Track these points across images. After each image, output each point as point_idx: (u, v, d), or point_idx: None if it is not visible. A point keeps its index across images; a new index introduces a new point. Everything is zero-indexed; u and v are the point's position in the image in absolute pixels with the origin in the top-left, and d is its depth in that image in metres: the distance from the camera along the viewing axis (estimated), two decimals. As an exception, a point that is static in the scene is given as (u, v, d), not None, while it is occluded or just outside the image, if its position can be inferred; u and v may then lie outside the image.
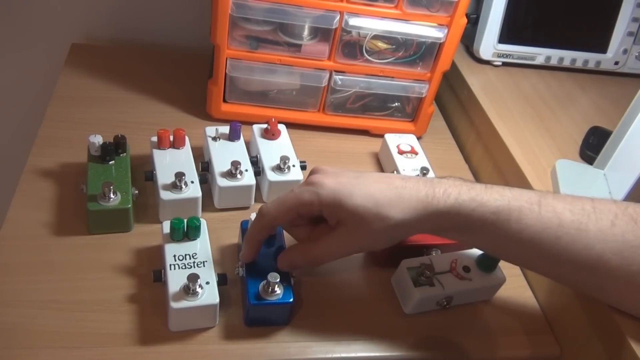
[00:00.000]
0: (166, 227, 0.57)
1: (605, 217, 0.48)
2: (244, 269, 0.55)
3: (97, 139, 0.63)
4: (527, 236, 0.48)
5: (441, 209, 0.49)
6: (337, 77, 0.76)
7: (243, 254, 0.55)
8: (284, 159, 0.66)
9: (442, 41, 0.74)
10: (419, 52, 0.76)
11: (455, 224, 0.49)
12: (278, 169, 0.67)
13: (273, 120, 0.71)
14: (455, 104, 0.90)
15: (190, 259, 0.55)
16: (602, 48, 0.91)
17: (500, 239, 0.50)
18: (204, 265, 0.54)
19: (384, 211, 0.49)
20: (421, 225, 0.50)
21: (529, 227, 0.48)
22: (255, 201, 0.67)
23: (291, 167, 0.67)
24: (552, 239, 0.48)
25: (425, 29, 0.73)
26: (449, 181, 0.51)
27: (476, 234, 0.50)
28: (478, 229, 0.49)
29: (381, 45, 0.75)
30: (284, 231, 0.59)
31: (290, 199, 0.52)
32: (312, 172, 0.54)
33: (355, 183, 0.50)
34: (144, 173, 0.63)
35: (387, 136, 0.77)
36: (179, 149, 0.66)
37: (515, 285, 0.64)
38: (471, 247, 0.60)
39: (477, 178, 0.80)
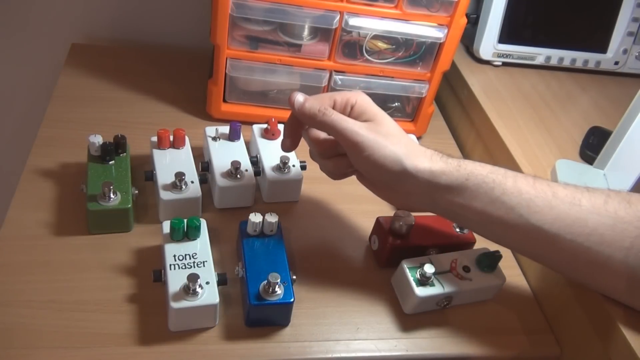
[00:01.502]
0: (166, 227, 0.57)
1: (598, 196, 0.49)
2: (244, 269, 0.55)
3: (97, 139, 0.63)
4: (522, 201, 0.49)
5: (445, 164, 0.52)
6: (337, 77, 0.76)
7: (283, 143, 0.59)
8: (284, 159, 0.67)
9: (442, 41, 0.74)
10: (419, 52, 0.76)
11: (455, 181, 0.51)
12: (278, 169, 0.67)
13: (273, 120, 0.71)
14: (455, 103, 0.90)
15: (190, 259, 0.55)
16: (602, 48, 0.91)
17: (495, 203, 0.50)
18: (204, 265, 0.54)
19: (402, 135, 0.53)
20: (426, 173, 0.52)
21: (522, 193, 0.50)
22: (255, 201, 0.67)
23: (291, 167, 0.67)
24: (545, 208, 0.49)
25: (425, 29, 0.73)
26: (457, 159, 0.54)
27: (472, 195, 0.51)
28: (475, 187, 0.50)
29: (381, 45, 0.75)
30: (282, 236, 0.59)
31: (332, 93, 0.56)
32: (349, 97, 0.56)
33: (385, 115, 0.56)
34: (144, 173, 0.63)
35: (387, 136, 0.77)
36: (179, 149, 0.66)
37: (515, 285, 0.64)
38: (465, 223, 0.58)
39: (477, 178, 0.80)
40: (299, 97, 0.55)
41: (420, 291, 0.56)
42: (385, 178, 0.53)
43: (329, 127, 0.53)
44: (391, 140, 0.52)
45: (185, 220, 0.56)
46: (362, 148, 0.52)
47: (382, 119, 0.54)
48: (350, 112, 0.55)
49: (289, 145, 0.59)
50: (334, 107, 0.55)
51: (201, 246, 0.56)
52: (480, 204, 0.51)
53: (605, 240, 0.48)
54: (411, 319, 0.58)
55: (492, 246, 0.58)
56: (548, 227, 0.49)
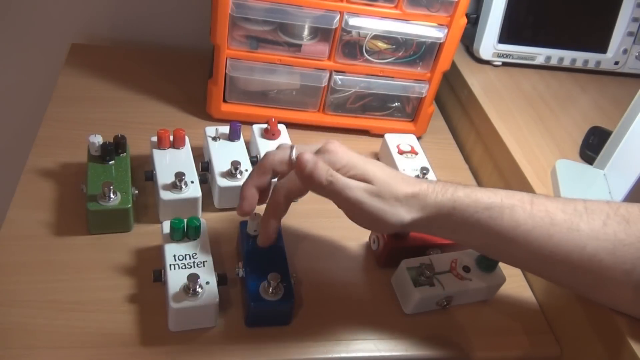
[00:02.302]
0: (166, 227, 0.57)
1: (597, 217, 0.49)
2: (244, 269, 0.55)
3: (97, 139, 0.63)
4: (519, 234, 0.49)
5: (439, 202, 0.50)
6: (337, 77, 0.76)
7: (239, 206, 0.54)
8: (284, 159, 0.66)
9: (442, 41, 0.74)
10: (419, 52, 0.76)
11: (449, 219, 0.50)
12: (278, 169, 0.67)
13: (273, 120, 0.71)
14: (455, 104, 0.90)
15: (190, 259, 0.55)
16: (602, 48, 0.91)
17: (493, 237, 0.50)
18: (204, 265, 0.54)
19: (395, 189, 0.50)
20: (420, 215, 0.50)
21: (520, 225, 0.49)
22: (255, 201, 0.67)
23: (291, 167, 0.67)
24: (544, 237, 0.48)
25: (425, 29, 0.73)
26: (445, 182, 0.52)
27: (470, 231, 0.51)
28: (471, 225, 0.50)
29: (381, 45, 0.75)
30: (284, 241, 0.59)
31: (305, 173, 0.50)
32: (323, 146, 0.52)
33: (368, 159, 0.52)
34: (144, 173, 0.63)
35: (387, 136, 0.77)
36: (179, 149, 0.66)
37: (515, 285, 0.64)
38: (466, 247, 0.60)
39: (477, 178, 0.80)
40: (309, 158, 0.49)
41: (420, 291, 0.56)
42: (381, 226, 0.53)
43: (333, 195, 0.50)
44: (390, 201, 0.50)
45: (185, 220, 0.56)
46: (367, 214, 0.51)
47: (373, 174, 0.50)
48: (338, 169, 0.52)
49: (248, 207, 0.54)
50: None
51: (201, 246, 0.56)
52: (477, 239, 0.52)
53: (604, 265, 0.48)
54: (411, 319, 0.58)
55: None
56: (547, 255, 0.49)
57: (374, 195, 0.50)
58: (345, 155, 0.51)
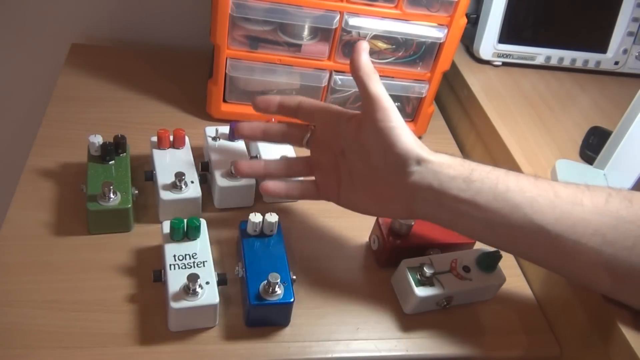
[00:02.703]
0: (166, 227, 0.57)
1: (599, 195, 0.49)
2: (244, 270, 0.55)
3: (97, 139, 0.63)
4: (524, 200, 0.49)
5: (449, 157, 0.52)
6: (337, 77, 0.76)
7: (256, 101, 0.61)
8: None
9: (442, 41, 0.74)
10: (419, 52, 0.76)
11: (460, 174, 0.51)
12: (278, 169, 0.67)
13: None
14: (455, 104, 0.90)
15: (190, 259, 0.55)
16: (602, 48, 0.91)
17: (499, 201, 0.49)
18: (204, 265, 0.54)
19: (394, 115, 0.54)
20: (435, 165, 0.51)
21: (525, 192, 0.49)
22: (255, 201, 0.67)
23: (291, 167, 0.67)
24: (548, 207, 0.48)
25: (425, 29, 0.73)
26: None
27: (477, 191, 0.50)
28: (480, 182, 0.50)
29: (381, 45, 0.75)
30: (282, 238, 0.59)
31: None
32: None
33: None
34: (144, 173, 0.63)
35: (387, 136, 0.77)
36: (179, 149, 0.66)
37: (515, 285, 0.64)
38: (466, 226, 0.55)
39: (477, 178, 0.80)
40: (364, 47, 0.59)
41: (420, 291, 0.56)
42: (395, 162, 0.52)
43: (369, 87, 0.57)
44: (382, 123, 0.53)
45: (185, 220, 0.56)
46: (389, 118, 0.53)
47: (375, 96, 0.56)
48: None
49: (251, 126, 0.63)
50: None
51: (201, 246, 0.56)
52: (485, 200, 0.50)
53: (607, 241, 0.48)
54: (411, 319, 0.58)
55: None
56: (551, 227, 0.49)
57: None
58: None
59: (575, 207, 0.48)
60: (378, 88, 0.55)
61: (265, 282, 0.53)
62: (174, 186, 0.61)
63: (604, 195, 0.49)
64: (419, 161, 0.51)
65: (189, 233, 0.56)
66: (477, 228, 0.53)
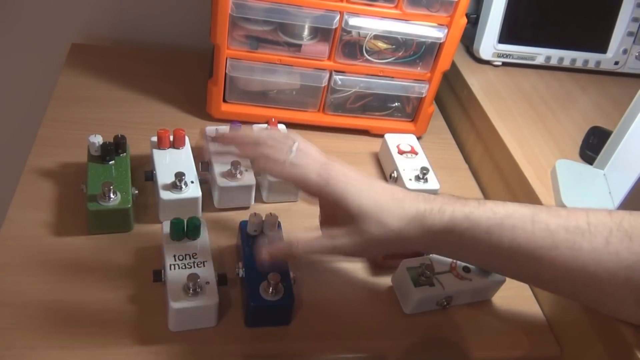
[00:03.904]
0: (166, 227, 0.57)
1: (599, 235, 0.47)
2: (244, 269, 0.55)
3: (97, 139, 0.63)
4: (520, 256, 0.48)
5: (437, 225, 0.49)
6: (337, 77, 0.76)
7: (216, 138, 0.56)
8: (284, 159, 0.66)
9: (442, 41, 0.74)
10: (419, 52, 0.76)
11: (448, 242, 0.50)
12: (278, 169, 0.67)
13: (273, 120, 0.71)
14: (455, 104, 0.90)
15: (190, 259, 0.55)
16: (602, 48, 0.91)
17: (493, 258, 0.50)
18: (204, 265, 0.54)
19: (385, 218, 0.49)
20: (416, 240, 0.50)
21: (521, 247, 0.48)
22: (255, 201, 0.67)
23: (291, 167, 0.67)
24: (545, 259, 0.48)
25: (425, 29, 0.73)
26: (444, 198, 0.51)
27: (470, 253, 0.51)
28: (471, 247, 0.49)
29: (381, 45, 0.75)
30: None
31: (297, 175, 0.51)
32: (326, 161, 0.53)
33: (365, 184, 0.51)
34: (144, 173, 0.63)
35: (387, 136, 0.77)
36: (179, 149, 0.66)
37: (515, 285, 0.64)
38: (469, 264, 0.60)
39: (477, 178, 0.80)
40: (263, 254, 0.52)
41: (420, 291, 0.56)
42: (381, 253, 0.56)
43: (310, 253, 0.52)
44: (369, 225, 0.49)
45: (185, 220, 0.56)
46: (351, 253, 0.52)
47: (356, 211, 0.49)
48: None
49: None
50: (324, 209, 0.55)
51: (201, 246, 0.56)
52: (476, 259, 0.53)
53: (606, 284, 0.47)
54: (411, 319, 0.58)
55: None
56: (548, 277, 0.49)
57: (354, 235, 0.50)
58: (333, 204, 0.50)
59: (574, 252, 0.47)
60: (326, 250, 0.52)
61: (265, 282, 0.53)
62: (174, 186, 0.61)
63: (604, 235, 0.47)
64: (398, 246, 0.52)
65: (189, 233, 0.56)
66: (470, 264, 0.59)
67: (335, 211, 0.51)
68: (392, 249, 0.54)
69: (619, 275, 0.47)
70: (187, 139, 0.67)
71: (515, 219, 0.48)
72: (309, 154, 0.52)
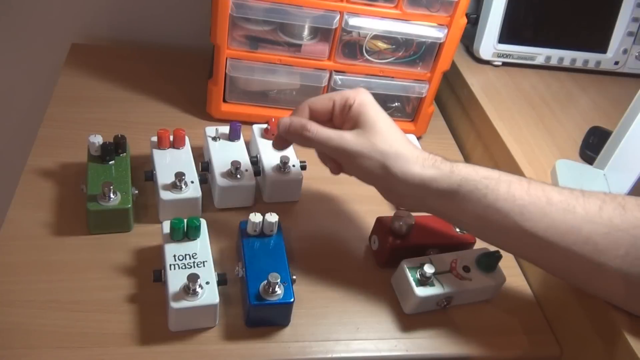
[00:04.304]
0: (166, 227, 0.57)
1: (593, 201, 0.49)
2: (244, 270, 0.55)
3: (97, 139, 0.63)
4: (515, 208, 0.49)
5: (437, 169, 0.51)
6: (337, 77, 0.76)
7: (280, 123, 0.57)
8: (284, 159, 0.66)
9: (442, 41, 0.74)
10: (419, 52, 0.76)
11: (447, 187, 0.51)
12: (278, 169, 0.67)
13: (273, 120, 0.71)
14: (455, 104, 0.90)
15: (190, 259, 0.55)
16: (602, 48, 0.91)
17: (489, 208, 0.50)
18: (204, 265, 0.54)
19: (394, 136, 0.53)
20: (415, 174, 0.51)
21: (517, 199, 0.49)
22: (255, 201, 0.67)
23: (291, 167, 0.67)
24: (539, 215, 0.48)
25: (425, 29, 0.73)
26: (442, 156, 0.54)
27: (465, 202, 0.51)
28: (468, 194, 0.50)
29: (381, 45, 0.75)
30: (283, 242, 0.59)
31: (333, 93, 0.56)
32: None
33: (388, 119, 0.55)
34: (144, 173, 0.63)
35: (387, 136, 0.77)
36: (179, 149, 0.66)
37: (515, 285, 0.64)
38: (461, 225, 0.60)
39: (477, 178, 0.80)
40: (285, 120, 0.56)
41: (420, 291, 0.56)
42: (377, 184, 0.55)
43: (315, 144, 0.55)
44: (380, 145, 0.52)
45: (185, 220, 0.56)
46: (349, 156, 0.53)
47: (373, 123, 0.53)
48: (347, 112, 0.55)
49: (281, 147, 0.61)
50: (332, 108, 0.56)
51: (201, 246, 0.56)
52: (473, 210, 0.51)
53: (599, 249, 0.47)
54: (411, 319, 0.58)
55: (492, 246, 0.58)
56: (542, 234, 0.49)
57: (359, 137, 0.53)
58: (359, 106, 0.55)
59: (567, 214, 0.48)
60: (322, 139, 0.55)
61: (265, 282, 0.53)
62: (174, 186, 0.61)
63: (597, 202, 0.49)
64: (396, 180, 0.52)
65: (189, 233, 0.56)
66: (469, 229, 0.58)
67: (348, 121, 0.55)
68: (388, 181, 0.53)
69: (611, 240, 0.47)
70: (187, 139, 0.67)
71: (512, 177, 0.51)
72: None
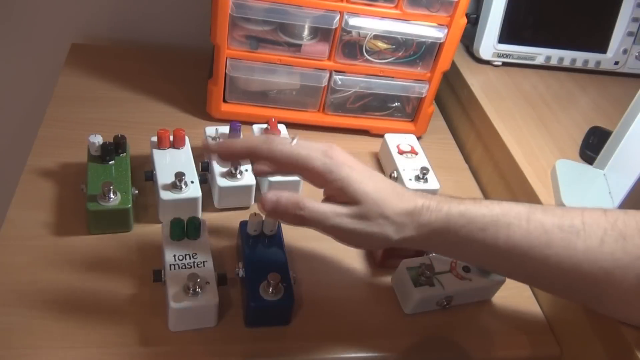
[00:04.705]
0: (166, 227, 0.57)
1: (594, 235, 0.47)
2: (244, 270, 0.55)
3: (97, 139, 0.63)
4: (515, 254, 0.48)
5: (433, 221, 0.49)
6: (337, 77, 0.76)
7: (213, 146, 0.54)
8: (284, 159, 0.66)
9: (442, 41, 0.74)
10: (419, 52, 0.76)
11: (444, 239, 0.50)
12: (278, 169, 0.67)
13: (273, 120, 0.71)
14: (455, 104, 0.90)
15: (190, 259, 0.55)
16: (602, 48, 0.91)
17: (489, 256, 0.50)
18: (204, 265, 0.54)
19: (385, 208, 0.49)
20: (413, 234, 0.50)
21: (516, 246, 0.48)
22: (255, 201, 0.67)
23: (291, 167, 0.67)
24: (540, 258, 0.48)
25: (425, 29, 0.73)
26: (441, 196, 0.51)
27: (465, 251, 0.51)
28: (467, 245, 0.49)
29: (381, 45, 0.75)
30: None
31: (301, 155, 0.49)
32: (328, 147, 0.51)
33: (367, 172, 0.51)
34: (144, 173, 0.63)
35: (387, 136, 0.77)
36: (179, 149, 0.66)
37: (515, 285, 0.64)
38: (464, 261, 0.60)
39: (477, 178, 0.80)
40: (270, 197, 0.49)
41: (420, 291, 0.56)
42: (377, 246, 0.55)
43: (307, 223, 0.50)
44: (378, 221, 0.49)
45: (185, 220, 0.56)
46: (351, 237, 0.50)
47: (363, 193, 0.49)
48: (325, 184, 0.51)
49: (221, 157, 0.54)
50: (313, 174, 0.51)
51: (201, 246, 0.56)
52: (472, 257, 0.53)
53: (600, 284, 0.48)
54: (411, 319, 0.58)
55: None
56: (543, 275, 0.49)
57: (355, 218, 0.49)
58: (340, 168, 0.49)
59: (568, 252, 0.47)
60: (317, 220, 0.49)
61: (265, 282, 0.53)
62: (174, 186, 0.61)
63: (599, 235, 0.47)
64: (395, 244, 0.50)
65: (189, 233, 0.56)
66: (466, 262, 0.59)
67: (339, 195, 0.50)
68: (385, 243, 0.52)
69: (615, 274, 0.47)
70: (187, 139, 0.67)
71: (510, 217, 0.48)
72: (310, 143, 0.51)
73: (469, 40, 0.91)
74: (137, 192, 0.61)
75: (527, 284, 0.58)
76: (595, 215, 0.48)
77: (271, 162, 0.51)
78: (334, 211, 0.49)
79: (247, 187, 0.65)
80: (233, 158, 0.56)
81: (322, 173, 0.49)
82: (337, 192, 0.50)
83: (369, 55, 0.75)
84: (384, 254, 0.62)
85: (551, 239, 0.48)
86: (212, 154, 0.57)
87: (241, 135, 0.70)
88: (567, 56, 0.90)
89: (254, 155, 0.52)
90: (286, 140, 0.51)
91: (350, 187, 0.49)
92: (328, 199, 0.51)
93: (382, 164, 0.78)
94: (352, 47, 0.74)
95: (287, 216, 0.50)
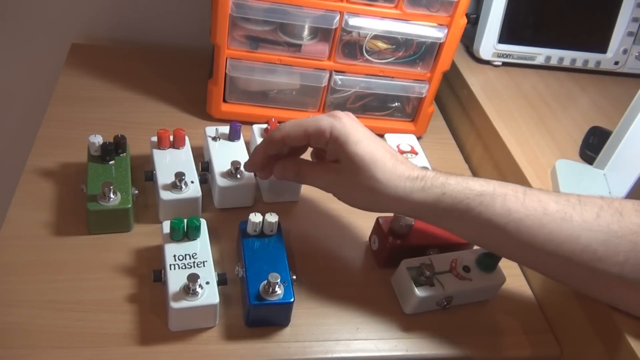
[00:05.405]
0: (166, 227, 0.57)
1: (590, 209, 0.48)
2: (244, 270, 0.55)
3: (97, 139, 0.63)
4: (511, 222, 0.48)
5: (428, 189, 0.50)
6: (337, 77, 0.76)
7: (247, 163, 0.60)
8: (284, 159, 0.66)
9: (442, 41, 0.74)
10: (419, 52, 0.76)
11: (440, 206, 0.50)
12: (278, 169, 0.67)
13: (273, 120, 0.71)
14: (455, 104, 0.90)
15: (190, 259, 0.55)
16: (602, 48, 0.91)
17: (484, 225, 0.50)
18: (204, 265, 0.54)
19: (376, 172, 0.51)
20: (405, 201, 0.51)
21: (512, 213, 0.48)
22: (255, 201, 0.67)
23: (291, 167, 0.67)
24: (536, 227, 0.48)
25: (425, 29, 0.73)
26: (437, 171, 0.53)
27: (460, 219, 0.50)
28: (462, 212, 0.50)
29: (381, 45, 0.75)
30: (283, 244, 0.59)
31: (307, 122, 0.54)
32: (334, 112, 0.55)
33: (368, 136, 0.53)
34: (144, 173, 0.63)
35: (387, 136, 0.77)
36: (179, 149, 0.66)
37: (515, 285, 0.64)
38: (458, 235, 0.59)
39: (477, 178, 0.80)
40: (279, 168, 0.58)
41: (420, 291, 0.56)
42: (368, 207, 0.55)
43: (308, 182, 0.57)
44: (366, 182, 0.51)
45: (185, 220, 0.56)
46: (336, 192, 0.55)
47: (351, 160, 0.52)
48: (325, 146, 0.54)
49: (256, 167, 0.60)
50: (308, 139, 0.55)
51: (201, 246, 0.56)
52: (468, 227, 0.52)
53: (597, 256, 0.47)
54: (411, 319, 0.58)
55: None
56: (539, 245, 0.49)
57: (341, 179, 0.53)
58: (334, 145, 0.53)
59: (565, 223, 0.48)
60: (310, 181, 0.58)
61: (265, 282, 0.53)
62: (174, 186, 0.61)
63: (595, 209, 0.48)
64: (389, 209, 0.53)
65: (189, 233, 0.56)
66: (465, 238, 0.57)
67: (330, 155, 0.54)
68: (376, 205, 0.54)
69: (610, 246, 0.47)
70: (187, 139, 0.67)
71: (507, 189, 0.50)
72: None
73: (469, 40, 0.91)
74: (137, 192, 0.61)
75: (522, 262, 0.57)
76: (592, 196, 0.50)
77: (286, 143, 0.56)
78: (328, 167, 0.54)
79: (247, 187, 0.65)
80: (262, 166, 0.59)
81: (326, 129, 0.52)
82: (338, 147, 0.52)
83: (369, 55, 0.75)
84: (385, 254, 0.62)
85: (547, 210, 0.48)
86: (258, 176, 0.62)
87: (241, 136, 0.70)
88: (567, 56, 0.90)
89: (271, 146, 0.56)
90: (299, 129, 0.55)
91: (345, 146, 0.52)
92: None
93: (382, 164, 0.78)
94: (352, 47, 0.74)
95: (293, 175, 0.57)
